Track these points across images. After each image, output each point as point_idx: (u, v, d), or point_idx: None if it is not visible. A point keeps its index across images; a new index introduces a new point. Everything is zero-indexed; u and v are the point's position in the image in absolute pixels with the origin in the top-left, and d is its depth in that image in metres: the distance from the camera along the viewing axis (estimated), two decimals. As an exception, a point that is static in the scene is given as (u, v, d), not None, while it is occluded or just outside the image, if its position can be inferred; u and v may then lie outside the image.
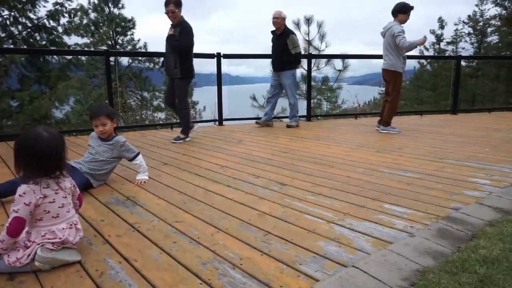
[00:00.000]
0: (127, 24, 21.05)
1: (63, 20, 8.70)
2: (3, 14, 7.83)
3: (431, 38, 18.49)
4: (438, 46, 18.54)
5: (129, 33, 21.21)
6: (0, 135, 5.36)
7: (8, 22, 7.97)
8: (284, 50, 5.44)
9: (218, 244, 1.74)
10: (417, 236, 1.78)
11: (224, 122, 6.23)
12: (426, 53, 18.35)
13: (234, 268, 1.52)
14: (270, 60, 5.85)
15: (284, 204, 2.28)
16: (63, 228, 1.57)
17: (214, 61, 5.99)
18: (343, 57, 10.34)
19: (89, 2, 19.07)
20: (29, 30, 8.29)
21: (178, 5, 4.19)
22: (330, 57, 10.58)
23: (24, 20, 8.10)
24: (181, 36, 4.18)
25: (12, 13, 7.82)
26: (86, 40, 15.28)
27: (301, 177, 2.87)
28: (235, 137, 4.91)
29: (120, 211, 2.20)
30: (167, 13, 4.17)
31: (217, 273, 1.49)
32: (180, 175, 2.97)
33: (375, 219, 2.02)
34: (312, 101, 8.85)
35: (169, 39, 4.23)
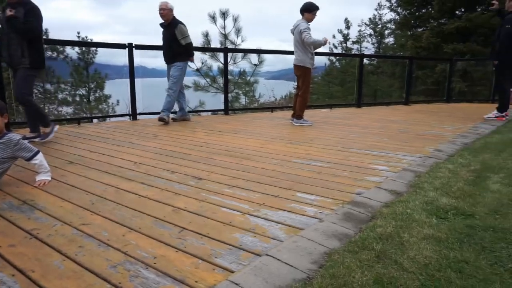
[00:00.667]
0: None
1: None
2: None
3: (339, 37, 20.01)
4: (345, 44, 20.12)
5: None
6: None
7: None
8: (174, 41, 5.19)
9: (130, 244, 1.66)
10: (325, 221, 1.91)
11: (138, 117, 5.93)
12: (335, 51, 19.80)
13: (147, 268, 1.46)
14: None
15: (200, 198, 2.26)
16: None
17: (126, 52, 5.64)
18: (259, 51, 10.59)
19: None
20: None
21: None
22: (246, 51, 10.74)
23: None
24: (27, 18, 3.49)
25: None
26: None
27: (217, 171, 2.87)
28: (150, 132, 4.71)
29: (15, 217, 1.95)
30: None
31: (129, 275, 1.41)
32: (88, 174, 2.75)
33: (288, 208, 2.11)
34: (229, 94, 8.91)
35: (11, 21, 3.47)
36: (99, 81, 20.97)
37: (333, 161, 3.22)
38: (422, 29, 14.64)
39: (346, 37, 19.97)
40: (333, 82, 18.97)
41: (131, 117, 5.93)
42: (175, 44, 5.22)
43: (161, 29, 5.41)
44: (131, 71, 5.73)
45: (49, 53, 18.03)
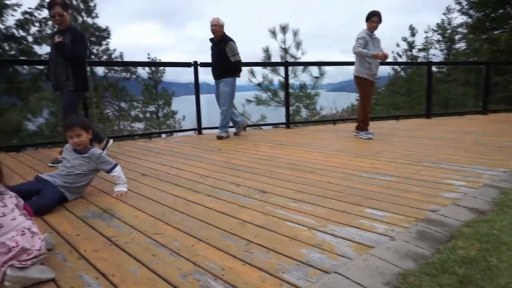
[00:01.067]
0: (102, 34, 20.76)
1: (34, 29, 8.44)
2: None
3: (403, 45, 19.12)
4: (410, 52, 19.16)
5: (104, 42, 20.93)
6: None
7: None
8: (224, 57, 5.30)
9: (199, 255, 1.71)
10: (397, 239, 1.80)
11: (203, 131, 6.18)
12: (399, 60, 18.93)
13: (215, 279, 1.49)
14: (210, 68, 5.65)
15: (266, 212, 2.26)
16: (13, 236, 1.49)
17: (191, 70, 5.96)
18: (319, 64, 10.52)
19: (61, 11, 18.69)
20: (-4, 39, 8.01)
21: (66, 7, 3.71)
22: (306, 64, 10.74)
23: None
24: (74, 44, 3.68)
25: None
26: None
27: (281, 184, 2.87)
28: (215, 145, 4.88)
29: (97, 224, 2.12)
30: (53, 16, 3.65)
31: (198, 285, 1.45)
32: (159, 186, 2.91)
33: (356, 224, 2.03)
34: (290, 108, 8.92)
35: (59, 47, 3.66)
36: (166, 98, 22.39)
37: (402, 175, 3.04)
38: (499, 31, 13.41)
39: (411, 45, 19.03)
40: (398, 92, 18.10)
41: (197, 131, 6.20)
42: (225, 61, 5.32)
43: (210, 44, 5.53)
44: (197, 88, 6.02)
45: (123, 74, 19.70)
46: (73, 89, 3.79)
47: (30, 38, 8.41)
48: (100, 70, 18.33)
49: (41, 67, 8.71)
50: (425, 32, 19.04)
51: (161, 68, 23.90)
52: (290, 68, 9.32)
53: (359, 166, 3.42)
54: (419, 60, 18.61)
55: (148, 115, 21.81)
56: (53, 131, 7.99)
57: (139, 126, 21.38)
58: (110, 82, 19.39)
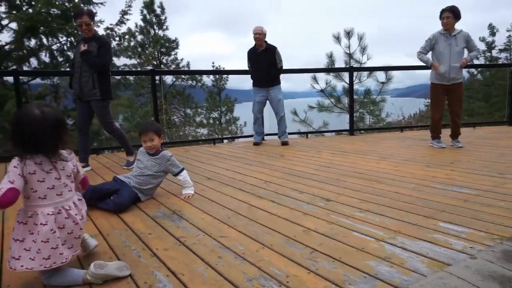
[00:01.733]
0: (171, 45, 22.10)
1: (114, 44, 9.29)
2: (61, 40, 8.53)
3: (481, 46, 17.57)
4: (489, 54, 17.55)
5: (172, 53, 22.27)
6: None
7: (65, 47, 8.66)
8: (272, 65, 5.35)
9: (263, 260, 1.71)
10: (479, 258, 1.64)
11: (265, 137, 6.24)
12: (475, 62, 17.42)
13: (280, 286, 1.48)
14: (252, 77, 5.62)
15: (330, 220, 2.21)
16: (48, 214, 1.47)
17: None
18: (386, 69, 10.06)
19: (136, 26, 20.32)
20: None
21: (92, 17, 3.79)
22: (372, 69, 10.34)
23: (78, 45, 8.82)
24: (100, 52, 3.73)
25: (69, 39, 8.49)
26: (134, 61, 16.15)
27: (347, 193, 2.78)
28: (277, 152, 4.90)
29: (167, 224, 2.24)
30: (80, 25, 3.71)
31: (264, 290, 1.45)
32: (223, 190, 2.99)
33: (429, 238, 1.89)
34: (354, 114, 8.66)
35: (86, 56, 3.69)
36: (229, 104, 23.12)
37: (482, 188, 2.78)
38: None
39: (490, 45, 17.42)
40: (474, 97, 16.64)
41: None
42: (274, 68, 5.39)
43: (250, 53, 5.54)
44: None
45: (190, 82, 20.76)
46: (100, 98, 3.83)
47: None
48: (168, 79, 19.51)
49: (118, 77, 9.53)
50: (507, 30, 17.32)
51: (225, 76, 24.79)
52: (355, 73, 9.03)
53: (432, 176, 3.20)
54: (501, 61, 16.96)
55: (211, 121, 22.72)
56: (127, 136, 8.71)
57: (203, 131, 22.34)
58: (178, 89, 20.56)
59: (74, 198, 1.62)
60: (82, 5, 8.49)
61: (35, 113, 1.47)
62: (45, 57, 8.40)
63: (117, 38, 9.42)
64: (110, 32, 9.31)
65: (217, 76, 22.57)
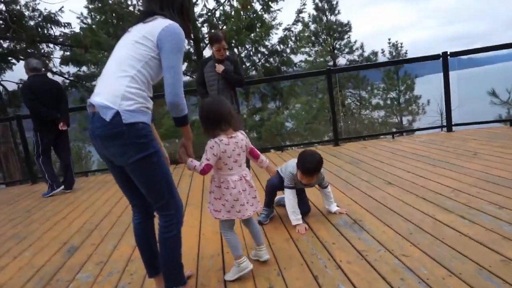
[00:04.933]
0: (344, 28, 21.94)
1: (291, 43, 10.04)
2: (247, 47, 9.85)
3: None
4: None
5: (345, 36, 22.09)
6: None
7: (251, 53, 9.96)
8: None
9: (451, 291, 1.66)
10: None
11: (453, 128, 5.55)
12: None
13: (471, 326, 1.42)
14: None
15: (540, 250, 1.89)
16: (235, 180, 1.95)
17: (440, 62, 5.44)
18: None
19: (309, 15, 21.04)
20: (266, 56, 10.10)
21: (226, 41, 4.06)
22: None
23: (262, 49, 9.95)
24: (237, 70, 4.01)
25: (253, 46, 9.71)
26: (306, 56, 17.20)
27: None
28: (468, 148, 4.30)
29: (349, 235, 2.39)
30: (218, 50, 3.91)
31: (452, 328, 1.43)
32: (405, 198, 2.91)
33: None
34: None
35: (227, 74, 3.92)
36: (409, 82, 21.34)
37: None
38: None
39: None
40: None
41: (444, 128, 5.65)
42: None
43: None
44: (446, 83, 5.41)
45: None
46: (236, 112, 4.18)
47: (287, 50, 10.11)
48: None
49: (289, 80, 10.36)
50: None
51: (403, 51, 22.99)
52: None
53: None
54: None
55: (388, 101, 21.50)
56: (305, 130, 9.34)
57: (380, 113, 21.44)
58: (351, 74, 20.39)
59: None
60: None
61: (216, 101, 2.00)
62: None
63: (293, 37, 10.11)
64: (287, 33, 10.09)
65: (393, 53, 21.21)
